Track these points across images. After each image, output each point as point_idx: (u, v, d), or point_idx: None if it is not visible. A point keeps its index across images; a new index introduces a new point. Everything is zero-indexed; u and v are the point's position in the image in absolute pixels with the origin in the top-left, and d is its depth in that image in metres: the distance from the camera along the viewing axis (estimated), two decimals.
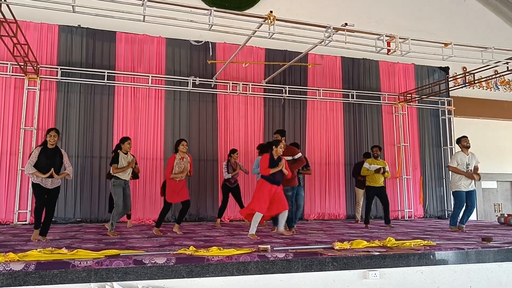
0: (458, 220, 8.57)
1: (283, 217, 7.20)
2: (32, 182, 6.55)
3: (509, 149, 14.21)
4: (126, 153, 7.44)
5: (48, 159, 6.46)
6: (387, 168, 9.42)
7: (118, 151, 7.42)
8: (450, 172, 8.88)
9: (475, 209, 12.96)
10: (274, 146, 7.09)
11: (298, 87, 11.99)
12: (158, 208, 10.07)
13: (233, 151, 9.64)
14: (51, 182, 6.50)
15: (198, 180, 10.65)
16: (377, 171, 9.13)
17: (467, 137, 8.76)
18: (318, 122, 12.14)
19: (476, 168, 8.59)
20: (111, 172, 7.34)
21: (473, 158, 8.63)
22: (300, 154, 7.85)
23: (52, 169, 6.44)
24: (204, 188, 10.54)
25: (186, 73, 11.08)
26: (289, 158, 7.64)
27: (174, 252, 4.85)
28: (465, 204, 8.56)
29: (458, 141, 8.88)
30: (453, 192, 8.73)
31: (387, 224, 9.35)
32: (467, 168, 8.50)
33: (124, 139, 7.51)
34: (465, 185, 8.48)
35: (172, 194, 7.56)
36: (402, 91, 13.04)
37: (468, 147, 8.65)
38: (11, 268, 3.96)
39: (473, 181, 8.55)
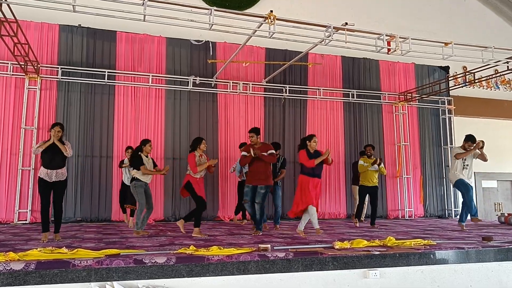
0: (458, 218, 8.58)
1: (307, 217, 7.42)
2: (38, 177, 6.51)
3: (509, 148, 14.20)
4: (146, 156, 7.60)
5: (50, 154, 6.46)
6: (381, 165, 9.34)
7: (140, 153, 7.54)
8: (450, 166, 8.83)
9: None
10: (307, 141, 7.46)
11: (299, 86, 11.99)
12: (158, 207, 10.10)
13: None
14: (56, 174, 6.48)
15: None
16: (374, 162, 9.04)
17: (473, 142, 8.52)
18: (318, 121, 12.14)
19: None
20: (134, 175, 7.47)
21: (471, 157, 8.60)
22: (272, 151, 7.69)
23: (53, 133, 6.46)
24: (204, 187, 10.49)
25: (186, 73, 11.08)
26: (263, 154, 7.67)
27: (174, 252, 4.85)
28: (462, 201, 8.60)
29: (467, 139, 8.63)
30: (455, 182, 8.61)
31: (372, 225, 9.16)
32: (464, 163, 8.49)
33: (146, 141, 7.68)
34: (463, 174, 8.48)
35: (200, 190, 7.57)
36: (402, 91, 13.04)
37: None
38: (11, 268, 3.97)
39: (471, 176, 8.58)
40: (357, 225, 9.29)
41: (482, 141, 8.44)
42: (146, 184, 7.53)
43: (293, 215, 7.57)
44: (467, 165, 8.52)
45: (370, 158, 9.27)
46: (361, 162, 9.29)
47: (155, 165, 7.81)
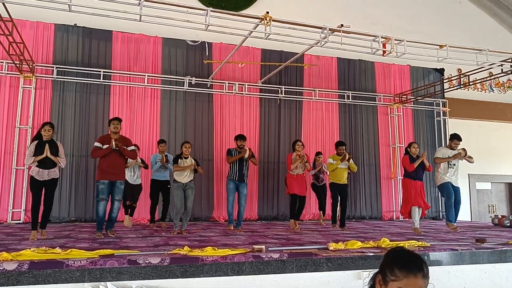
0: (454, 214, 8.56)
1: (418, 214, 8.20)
2: (30, 175, 6.56)
3: (503, 150, 14.28)
4: (187, 157, 7.89)
5: (42, 152, 6.49)
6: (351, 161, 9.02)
7: (178, 155, 7.99)
8: (435, 167, 8.76)
9: (467, 209, 13.07)
10: (409, 148, 8.49)
11: (294, 87, 12.00)
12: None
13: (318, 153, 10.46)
14: (48, 173, 6.51)
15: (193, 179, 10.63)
16: (342, 159, 8.75)
17: (458, 140, 8.67)
18: (313, 122, 12.16)
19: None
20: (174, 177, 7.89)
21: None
22: (133, 147, 7.32)
23: (47, 146, 6.47)
24: (199, 188, 10.49)
25: (182, 73, 11.07)
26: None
27: (169, 252, 4.84)
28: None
29: (451, 138, 8.81)
30: (439, 186, 8.69)
31: (342, 227, 8.78)
32: (450, 163, 8.50)
33: (182, 144, 8.11)
34: (449, 178, 8.49)
35: None
36: (397, 92, 13.08)
37: (454, 149, 8.66)
38: (4, 268, 3.94)
39: (457, 178, 8.58)
40: (336, 226, 9.08)
41: (464, 150, 8.47)
42: (186, 185, 7.79)
43: (406, 216, 8.48)
44: (454, 164, 8.53)
45: (340, 156, 8.95)
46: (330, 160, 9.02)
47: (198, 164, 8.15)
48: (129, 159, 8.16)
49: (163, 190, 9.07)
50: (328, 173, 9.40)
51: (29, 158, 6.54)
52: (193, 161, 7.98)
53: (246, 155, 8.32)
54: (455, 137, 8.74)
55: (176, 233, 7.50)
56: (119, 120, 7.09)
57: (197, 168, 8.03)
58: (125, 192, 8.30)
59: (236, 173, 8.36)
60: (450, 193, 8.46)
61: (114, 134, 6.94)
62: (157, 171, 8.95)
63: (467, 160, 8.54)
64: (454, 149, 8.62)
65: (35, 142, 6.64)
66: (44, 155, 6.46)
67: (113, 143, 6.75)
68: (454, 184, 8.56)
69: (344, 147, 9.11)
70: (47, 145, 6.52)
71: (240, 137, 8.62)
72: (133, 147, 7.22)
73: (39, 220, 6.59)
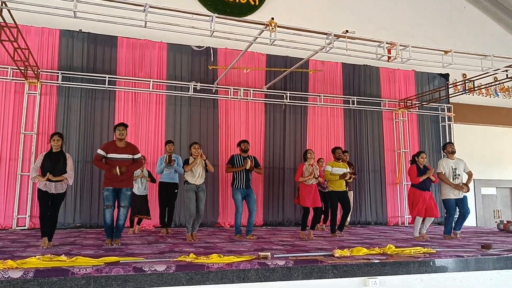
0: (453, 227, 8.53)
1: (429, 221, 8.36)
2: (37, 188, 6.46)
3: (508, 155, 14.23)
4: (194, 159, 7.71)
5: (51, 163, 6.39)
6: (348, 170, 8.81)
7: (190, 156, 7.77)
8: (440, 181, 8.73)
9: (472, 215, 12.97)
10: (416, 157, 8.36)
11: (299, 93, 12.00)
12: (158, 214, 10.06)
13: (319, 160, 10.14)
14: (54, 187, 6.39)
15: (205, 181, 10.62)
16: (342, 176, 8.51)
17: (452, 143, 8.84)
18: (319, 128, 12.15)
19: (470, 175, 8.60)
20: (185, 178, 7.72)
21: (460, 163, 8.56)
22: (139, 155, 7.07)
23: (48, 173, 6.32)
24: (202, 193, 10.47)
25: (187, 79, 11.09)
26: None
27: (174, 259, 4.84)
28: (458, 212, 8.55)
29: (444, 147, 8.95)
30: (442, 200, 8.66)
31: (340, 230, 8.69)
32: (454, 172, 8.45)
33: (191, 144, 7.90)
34: (453, 193, 8.43)
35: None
36: (402, 98, 13.06)
37: (453, 153, 8.61)
38: (9, 276, 3.95)
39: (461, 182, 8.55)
40: (337, 236, 8.55)
41: (468, 186, 8.44)
42: (198, 187, 7.61)
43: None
44: (459, 174, 8.50)
45: (339, 161, 8.72)
46: (328, 168, 8.63)
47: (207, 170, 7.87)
48: (136, 171, 8.13)
49: (170, 194, 8.86)
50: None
51: (33, 172, 6.47)
52: (204, 155, 7.76)
53: (248, 167, 8.04)
54: (446, 143, 9.01)
55: (190, 238, 7.41)
56: (125, 126, 6.84)
57: (207, 164, 7.71)
58: (132, 206, 8.02)
59: (243, 180, 8.11)
60: (453, 210, 8.48)
61: (120, 141, 6.80)
62: (164, 173, 8.77)
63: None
64: (453, 153, 8.61)
65: (44, 153, 6.54)
66: (44, 179, 6.29)
67: (117, 170, 6.52)
68: (459, 196, 8.45)
69: (340, 150, 8.88)
70: (48, 174, 6.32)
71: (244, 141, 8.57)
72: (139, 155, 6.97)
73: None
